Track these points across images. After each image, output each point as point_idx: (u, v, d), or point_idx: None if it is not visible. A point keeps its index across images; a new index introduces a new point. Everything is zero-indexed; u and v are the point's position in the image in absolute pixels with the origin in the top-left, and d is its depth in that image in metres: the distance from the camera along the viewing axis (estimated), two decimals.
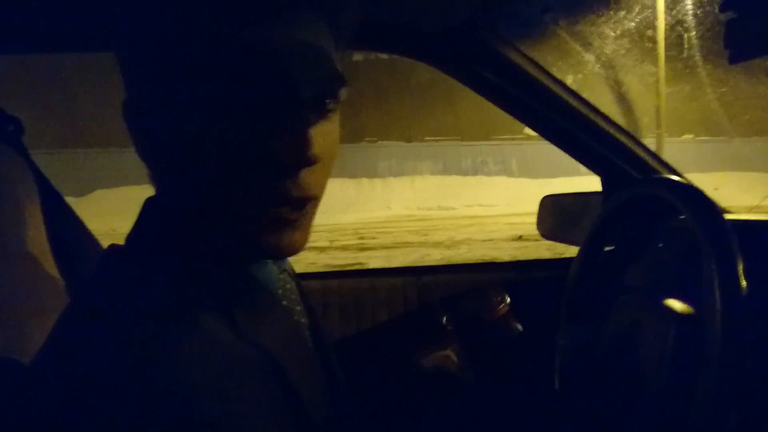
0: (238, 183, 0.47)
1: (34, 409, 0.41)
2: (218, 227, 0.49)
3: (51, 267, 0.78)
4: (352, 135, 18.23)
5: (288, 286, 0.60)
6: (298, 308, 0.61)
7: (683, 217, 0.87)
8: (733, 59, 0.57)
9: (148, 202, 0.54)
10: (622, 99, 20.69)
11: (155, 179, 0.53)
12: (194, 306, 0.46)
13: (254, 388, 0.45)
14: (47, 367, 0.43)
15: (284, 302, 0.57)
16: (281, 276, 0.59)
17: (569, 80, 18.12)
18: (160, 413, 0.38)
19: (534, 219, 1.48)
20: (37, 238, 0.75)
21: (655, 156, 1.26)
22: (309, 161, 0.46)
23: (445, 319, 0.70)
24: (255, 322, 0.49)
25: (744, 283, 0.65)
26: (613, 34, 20.32)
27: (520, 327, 0.70)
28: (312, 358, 0.58)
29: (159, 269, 0.48)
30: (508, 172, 20.18)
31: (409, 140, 20.69)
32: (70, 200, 1.30)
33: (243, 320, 0.47)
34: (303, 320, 0.61)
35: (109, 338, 0.41)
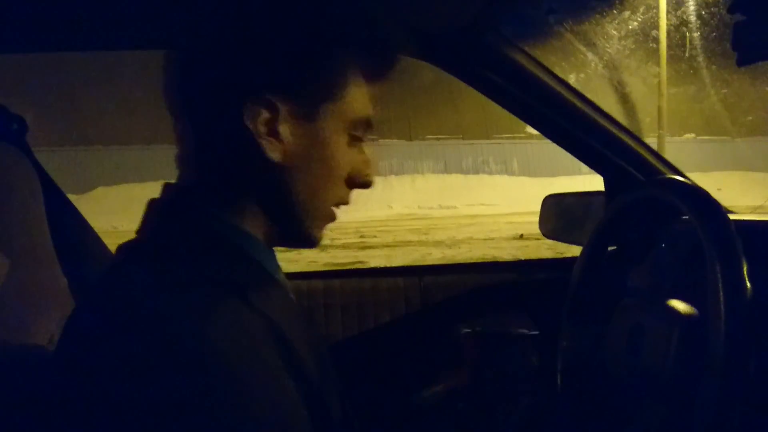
0: (333, 188, 0.59)
1: (65, 396, 0.45)
2: (283, 220, 0.59)
3: (54, 263, 0.78)
4: None
5: (283, 274, 0.66)
6: (291, 295, 0.66)
7: (687, 218, 0.87)
8: (741, 62, 0.57)
9: (168, 200, 0.58)
10: (625, 99, 20.68)
11: (195, 169, 0.58)
12: (213, 286, 0.50)
13: (266, 353, 0.50)
14: (86, 353, 0.46)
15: (287, 290, 0.64)
16: (278, 266, 0.65)
17: (572, 80, 18.10)
18: (190, 382, 0.43)
19: (535, 218, 1.48)
20: (40, 235, 0.75)
21: (658, 156, 1.26)
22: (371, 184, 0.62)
23: (464, 334, 0.70)
24: (263, 300, 0.54)
25: (748, 284, 0.65)
26: (616, 34, 20.31)
27: (536, 360, 0.70)
28: (308, 331, 0.64)
29: (180, 258, 0.52)
30: (509, 172, 20.17)
31: (410, 139, 20.69)
32: (71, 197, 1.31)
33: (254, 298, 0.52)
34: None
35: (140, 314, 0.46)
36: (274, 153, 0.55)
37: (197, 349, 0.44)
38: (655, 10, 17.87)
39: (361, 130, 0.61)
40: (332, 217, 0.63)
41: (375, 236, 10.52)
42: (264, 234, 0.60)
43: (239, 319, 0.49)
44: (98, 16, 0.99)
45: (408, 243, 9.57)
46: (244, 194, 0.57)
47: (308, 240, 0.62)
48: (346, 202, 0.64)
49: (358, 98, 0.59)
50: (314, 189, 0.59)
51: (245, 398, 0.45)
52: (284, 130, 0.55)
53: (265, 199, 0.58)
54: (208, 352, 0.44)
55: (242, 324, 0.49)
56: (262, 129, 0.54)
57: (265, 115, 0.54)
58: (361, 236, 10.46)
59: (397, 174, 19.18)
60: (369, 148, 0.64)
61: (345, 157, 0.60)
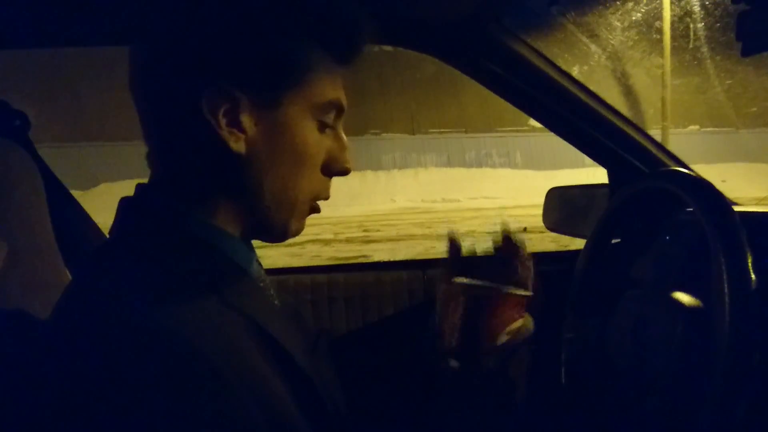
0: (307, 179, 0.57)
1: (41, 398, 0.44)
2: (255, 214, 0.57)
3: (58, 261, 0.78)
4: (355, 128, 18.21)
5: (262, 271, 0.65)
6: (272, 292, 0.64)
7: (691, 210, 0.87)
8: (745, 52, 0.56)
9: (137, 199, 0.57)
10: (628, 90, 20.58)
11: (163, 164, 0.57)
12: (183, 285, 0.50)
13: (244, 349, 0.49)
14: (58, 358, 0.45)
15: (261, 284, 0.62)
16: (257, 263, 0.63)
17: (575, 72, 18.02)
18: (167, 384, 0.42)
19: (538, 211, 1.48)
20: (43, 231, 0.75)
21: (662, 148, 1.25)
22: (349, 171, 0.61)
23: (459, 284, 0.68)
24: (236, 296, 0.53)
25: (753, 276, 0.65)
26: (619, 25, 20.20)
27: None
28: (297, 324, 0.64)
29: (149, 258, 0.51)
30: (512, 165, 20.13)
31: (413, 133, 20.65)
32: (75, 194, 1.31)
33: (229, 294, 0.52)
34: (276, 302, 0.64)
35: (112, 317, 0.45)
36: (237, 145, 0.53)
37: (172, 350, 0.43)
38: (658, 1, 17.76)
39: (331, 115, 0.59)
40: (310, 210, 0.61)
41: (378, 230, 10.52)
42: (238, 228, 0.58)
43: (212, 316, 0.48)
44: (98, 10, 0.99)
45: (411, 237, 9.56)
46: (212, 189, 0.56)
47: (282, 233, 0.60)
48: (325, 196, 0.61)
49: (324, 82, 0.57)
50: (285, 180, 0.56)
51: (227, 396, 0.44)
52: (246, 120, 0.53)
53: (234, 193, 0.56)
54: (183, 351, 0.43)
55: (216, 321, 0.48)
56: (223, 121, 0.52)
57: (225, 106, 0.52)
58: (365, 230, 10.47)
59: (400, 168, 19.16)
60: (343, 134, 0.61)
61: (316, 145, 0.57)
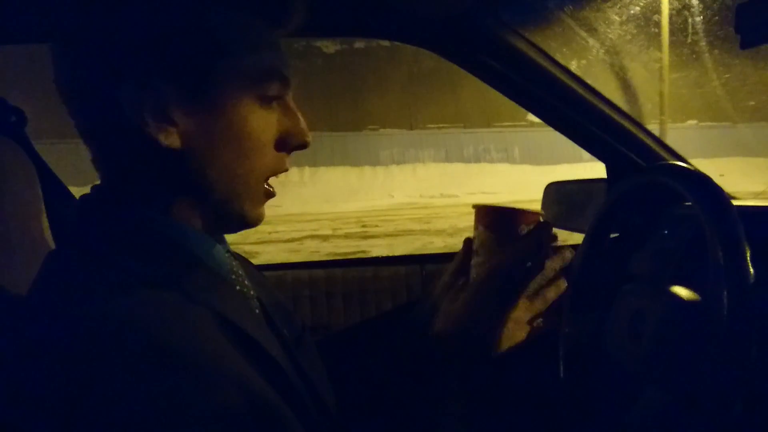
0: (257, 160, 0.53)
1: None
2: (211, 205, 0.54)
3: None
4: (354, 123, 18.18)
5: (234, 263, 0.61)
6: (246, 283, 0.62)
7: (689, 204, 0.87)
8: (744, 44, 0.56)
9: (91, 200, 0.55)
10: (626, 85, 20.58)
11: (107, 164, 0.54)
12: (144, 284, 0.47)
13: (209, 336, 0.47)
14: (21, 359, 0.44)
15: (232, 276, 0.59)
16: (226, 254, 0.60)
17: (573, 66, 18.01)
18: (137, 388, 0.40)
19: (537, 206, 1.47)
20: (38, 228, 0.75)
21: (660, 142, 1.25)
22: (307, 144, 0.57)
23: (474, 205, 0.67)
24: (204, 292, 0.50)
25: (751, 270, 0.65)
26: (617, 19, 20.17)
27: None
28: (262, 323, 0.60)
29: (107, 260, 0.48)
30: (510, 160, 20.14)
31: (411, 128, 20.64)
32: (74, 190, 1.31)
33: (192, 290, 0.49)
34: (251, 293, 0.62)
35: (73, 324, 0.43)
36: (170, 140, 0.49)
37: (139, 351, 0.41)
38: None
39: (273, 86, 0.53)
40: (269, 193, 0.57)
41: (377, 225, 10.52)
42: (198, 221, 0.55)
43: (173, 308, 0.46)
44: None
45: (410, 232, 9.57)
46: (160, 187, 0.52)
47: (240, 222, 0.56)
48: (282, 169, 0.57)
49: (256, 52, 0.52)
50: (232, 167, 0.52)
51: (201, 395, 0.42)
52: (176, 112, 0.49)
53: (183, 188, 0.52)
54: (151, 352, 0.41)
55: (177, 312, 0.46)
56: (150, 118, 0.48)
57: (149, 102, 0.48)
58: (363, 226, 10.47)
59: (398, 163, 19.15)
60: (293, 104, 0.57)
61: (261, 123, 0.53)
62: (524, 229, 0.63)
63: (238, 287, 0.59)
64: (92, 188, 0.56)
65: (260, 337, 0.52)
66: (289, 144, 0.56)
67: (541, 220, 0.64)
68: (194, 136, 0.50)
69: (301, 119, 0.57)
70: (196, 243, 0.54)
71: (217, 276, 0.55)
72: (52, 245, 0.77)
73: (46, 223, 0.76)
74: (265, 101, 0.53)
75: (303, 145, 0.57)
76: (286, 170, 0.58)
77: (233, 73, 0.51)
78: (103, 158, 0.53)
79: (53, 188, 1.19)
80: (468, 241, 0.66)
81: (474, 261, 0.64)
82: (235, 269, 0.60)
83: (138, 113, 0.48)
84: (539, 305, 0.63)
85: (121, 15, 0.48)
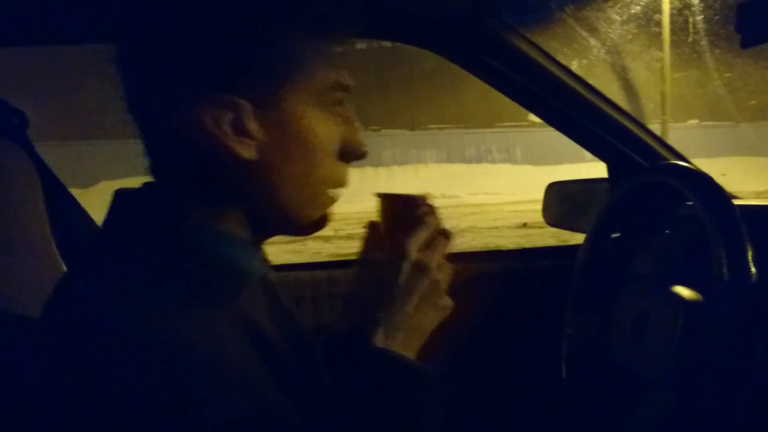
0: (324, 170, 0.55)
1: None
2: (274, 214, 0.55)
3: (56, 260, 0.78)
4: None
5: (271, 273, 0.63)
6: (278, 293, 0.63)
7: (691, 203, 0.86)
8: (745, 44, 0.56)
9: (137, 200, 0.56)
10: (628, 85, 20.56)
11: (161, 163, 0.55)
12: (181, 289, 0.48)
13: (244, 355, 0.48)
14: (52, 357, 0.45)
15: (269, 285, 0.61)
16: (265, 265, 0.62)
17: (574, 66, 17.99)
18: (163, 390, 0.41)
19: (539, 206, 1.48)
20: (41, 230, 0.75)
21: (662, 142, 1.25)
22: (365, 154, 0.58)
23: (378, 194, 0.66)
24: (236, 296, 0.52)
25: (753, 269, 0.65)
26: (618, 19, 20.16)
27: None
28: (294, 329, 0.61)
29: (147, 261, 0.49)
30: (512, 160, 20.12)
31: (412, 129, 20.64)
32: (75, 192, 1.31)
33: (224, 293, 0.51)
34: (283, 304, 0.63)
35: (105, 322, 0.43)
36: (247, 152, 0.51)
37: (167, 354, 0.42)
38: None
39: (336, 96, 0.56)
40: (331, 201, 0.59)
41: None
42: (247, 230, 0.56)
43: (211, 320, 0.47)
44: (96, 8, 0.98)
45: None
46: (221, 196, 0.54)
47: (308, 227, 0.59)
48: (343, 183, 0.59)
49: (322, 66, 0.54)
50: (302, 177, 0.55)
51: (227, 401, 0.43)
52: (253, 125, 0.51)
53: (247, 197, 0.54)
54: (179, 356, 0.42)
55: (215, 326, 0.47)
56: (230, 130, 0.50)
57: (228, 116, 0.50)
58: (366, 227, 10.44)
59: (400, 164, 19.14)
60: (353, 115, 0.58)
61: (328, 133, 0.55)
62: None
63: (271, 295, 0.60)
64: (144, 185, 0.57)
65: (282, 349, 0.53)
66: (348, 154, 0.58)
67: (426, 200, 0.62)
68: (268, 148, 0.52)
69: (360, 131, 0.59)
70: (237, 251, 0.55)
71: (251, 283, 0.56)
72: (54, 247, 0.77)
73: (47, 225, 0.76)
74: (330, 112, 0.56)
75: (361, 155, 0.60)
76: (346, 183, 0.60)
77: (303, 87, 0.53)
78: (169, 169, 0.55)
79: (55, 190, 1.19)
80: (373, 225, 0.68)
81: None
82: (271, 277, 0.62)
83: (220, 127, 0.50)
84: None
85: (205, 31, 0.50)
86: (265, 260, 0.64)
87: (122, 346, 0.42)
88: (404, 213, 0.62)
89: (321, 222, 0.59)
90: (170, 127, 0.51)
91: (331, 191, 0.58)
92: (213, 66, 0.50)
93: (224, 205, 0.54)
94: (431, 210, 0.61)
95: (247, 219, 0.56)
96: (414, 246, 0.58)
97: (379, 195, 0.65)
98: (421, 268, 0.58)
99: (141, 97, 0.53)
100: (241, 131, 0.51)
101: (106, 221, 0.55)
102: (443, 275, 0.60)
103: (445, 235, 0.62)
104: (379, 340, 0.55)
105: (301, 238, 0.64)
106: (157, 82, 0.51)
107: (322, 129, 0.55)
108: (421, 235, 0.59)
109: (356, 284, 0.63)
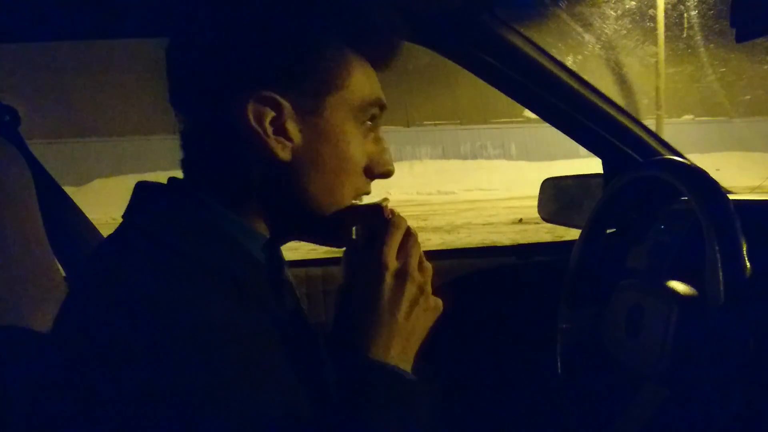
0: (351, 183, 0.57)
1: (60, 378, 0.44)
2: (295, 216, 0.57)
3: (48, 255, 0.77)
4: None
5: (287, 271, 0.65)
6: (294, 290, 0.65)
7: (685, 198, 0.87)
8: (740, 38, 0.56)
9: (166, 187, 0.57)
10: (622, 80, 20.59)
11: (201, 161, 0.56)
12: (203, 273, 0.49)
13: (259, 343, 0.49)
14: (75, 338, 0.45)
15: (287, 280, 0.63)
16: (283, 263, 0.63)
17: (569, 61, 18.01)
18: (180, 368, 0.42)
19: (534, 202, 1.48)
20: (34, 228, 0.75)
21: (656, 137, 1.25)
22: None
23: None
24: (255, 288, 0.54)
25: (747, 264, 0.65)
26: (613, 14, 20.17)
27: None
28: (305, 324, 0.63)
29: (172, 244, 0.50)
30: (507, 156, 20.15)
31: (407, 125, 20.63)
32: (69, 190, 1.30)
33: (244, 283, 0.52)
34: (297, 300, 0.66)
35: (129, 301, 0.44)
36: (284, 153, 0.53)
37: (187, 335, 0.43)
38: None
39: (373, 116, 0.59)
40: (351, 217, 0.60)
41: None
42: (267, 228, 0.58)
43: (231, 307, 0.48)
44: (95, 3, 0.98)
45: None
46: (250, 192, 0.56)
47: (327, 239, 0.61)
48: (366, 192, 0.61)
49: (363, 84, 0.57)
50: (330, 186, 0.57)
51: (239, 381, 0.44)
52: (292, 127, 0.53)
53: (274, 197, 0.56)
54: (198, 338, 0.44)
55: (233, 312, 0.48)
56: (270, 129, 0.52)
57: (270, 114, 0.52)
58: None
59: (395, 160, 18.82)
60: (383, 135, 0.61)
61: (359, 149, 0.58)
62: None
63: (287, 290, 0.62)
64: (171, 179, 0.58)
65: (297, 344, 0.55)
66: (374, 172, 0.61)
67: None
68: (303, 152, 0.54)
69: (388, 150, 0.62)
70: (258, 247, 0.57)
71: (269, 276, 0.58)
72: (47, 245, 0.76)
73: (41, 223, 0.76)
74: (365, 129, 0.59)
75: (386, 174, 0.62)
76: (369, 193, 0.62)
77: (344, 100, 0.56)
78: (205, 158, 0.56)
79: (48, 188, 1.18)
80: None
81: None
82: (287, 275, 0.64)
83: (261, 124, 0.52)
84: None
85: (256, 35, 0.52)
86: (282, 258, 0.65)
87: (144, 326, 0.43)
88: (372, 223, 0.61)
89: (340, 236, 0.61)
90: (213, 120, 0.54)
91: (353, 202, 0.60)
92: (263, 63, 0.52)
93: (248, 200, 0.56)
94: (394, 214, 0.61)
95: (268, 217, 0.58)
96: (390, 255, 0.57)
97: (347, 209, 0.62)
98: (403, 275, 0.57)
99: (188, 89, 0.55)
100: (281, 131, 0.53)
101: (129, 209, 0.56)
102: (425, 276, 0.60)
103: (413, 234, 0.62)
104: (379, 353, 0.55)
105: None
106: (208, 75, 0.53)
107: (356, 142, 0.57)
108: (394, 243, 0.58)
109: (342, 308, 0.62)
